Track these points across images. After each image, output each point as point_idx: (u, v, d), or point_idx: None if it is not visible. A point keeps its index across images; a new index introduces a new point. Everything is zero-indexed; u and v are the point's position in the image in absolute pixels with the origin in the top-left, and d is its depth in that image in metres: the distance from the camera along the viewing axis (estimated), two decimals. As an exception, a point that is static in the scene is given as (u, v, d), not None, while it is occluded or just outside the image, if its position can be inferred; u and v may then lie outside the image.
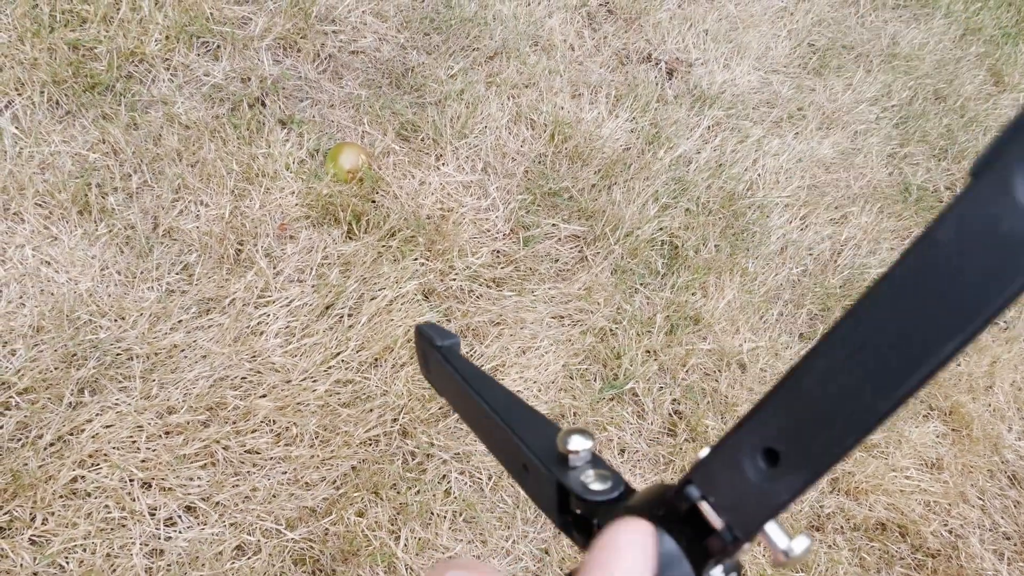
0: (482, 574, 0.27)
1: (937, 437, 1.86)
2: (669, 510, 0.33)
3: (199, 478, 1.33)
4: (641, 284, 1.83)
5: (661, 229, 1.92)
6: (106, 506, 1.27)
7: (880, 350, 0.26)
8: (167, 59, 1.76)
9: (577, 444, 0.38)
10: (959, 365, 2.00)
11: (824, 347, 0.27)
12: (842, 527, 1.66)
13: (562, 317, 1.72)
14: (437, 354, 0.50)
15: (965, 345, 0.24)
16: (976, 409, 1.92)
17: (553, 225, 1.83)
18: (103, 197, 1.54)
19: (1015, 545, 1.77)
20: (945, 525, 1.74)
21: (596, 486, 0.37)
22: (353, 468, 1.41)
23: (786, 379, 0.29)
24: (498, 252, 1.75)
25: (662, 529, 0.33)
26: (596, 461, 0.39)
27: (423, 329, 0.52)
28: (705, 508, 0.32)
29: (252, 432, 1.39)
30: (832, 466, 0.28)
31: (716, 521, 0.31)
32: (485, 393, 0.45)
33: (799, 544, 0.30)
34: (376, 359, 1.52)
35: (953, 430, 1.89)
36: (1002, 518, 1.80)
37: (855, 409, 0.26)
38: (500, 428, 0.43)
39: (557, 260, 1.79)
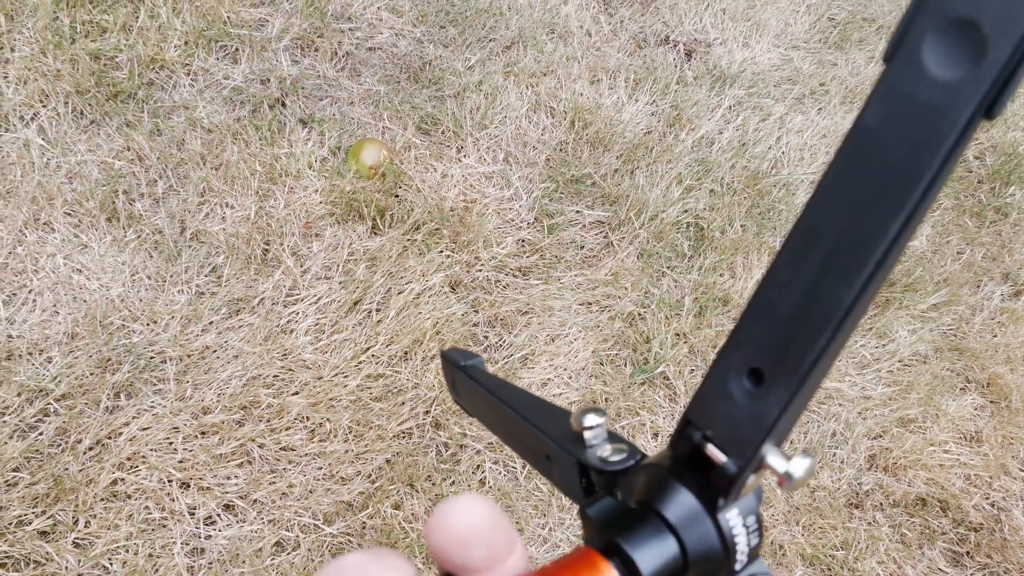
0: (378, 563, 0.27)
1: (975, 410, 1.83)
2: (676, 460, 0.33)
3: (236, 476, 1.34)
4: (668, 267, 1.82)
5: (686, 211, 1.90)
6: (146, 507, 1.28)
7: (832, 245, 0.26)
8: (187, 64, 1.77)
9: (591, 420, 0.38)
10: (995, 336, 1.97)
11: (782, 255, 0.27)
12: (881, 504, 1.65)
13: (590, 303, 1.72)
14: (462, 374, 0.51)
15: (912, 223, 0.24)
16: (1015, 380, 1.89)
17: (577, 212, 1.83)
18: (130, 203, 1.56)
19: (1060, 516, 1.75)
20: (987, 498, 1.72)
21: (614, 458, 0.37)
22: (387, 461, 1.41)
23: (755, 296, 0.29)
24: (523, 241, 1.75)
25: (673, 478, 0.33)
26: (612, 437, 0.39)
27: (447, 354, 0.54)
28: (709, 448, 0.32)
29: (286, 429, 1.40)
30: (812, 371, 0.27)
31: (718, 456, 0.31)
32: (508, 398, 0.46)
33: (798, 465, 0.30)
34: (406, 352, 1.53)
35: (992, 402, 1.86)
36: (1045, 489, 1.78)
37: (821, 307, 0.27)
38: (523, 426, 0.44)
39: (583, 247, 1.78)
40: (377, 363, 1.50)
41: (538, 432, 0.42)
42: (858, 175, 0.25)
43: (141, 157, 1.62)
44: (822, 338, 0.27)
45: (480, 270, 1.67)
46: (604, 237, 1.83)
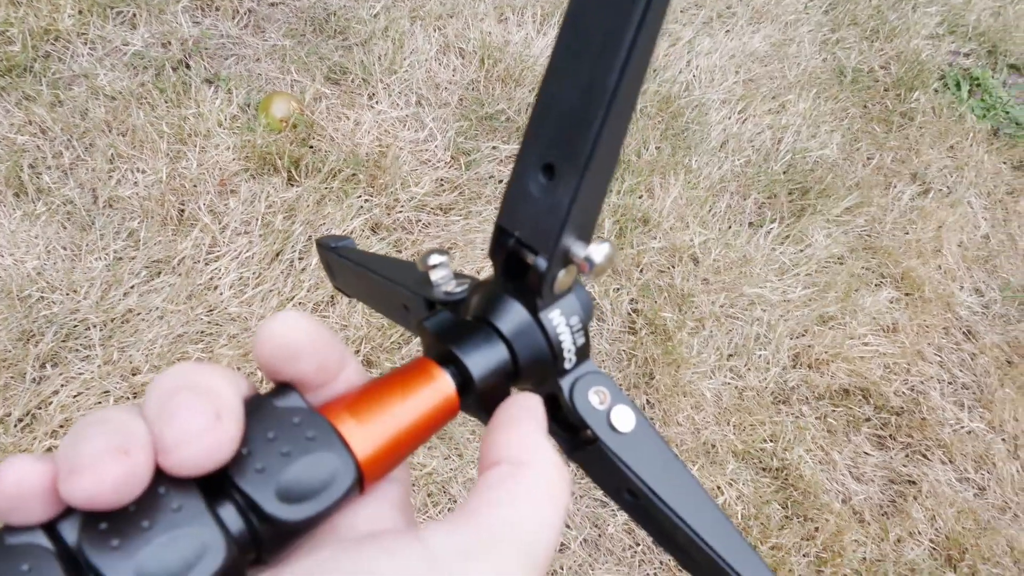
0: (202, 369, 0.27)
1: (891, 303, 1.91)
2: (503, 275, 0.35)
3: (172, 431, 1.35)
4: (586, 194, 1.85)
5: (600, 138, 1.93)
6: (84, 469, 1.29)
7: (595, 35, 0.27)
8: (83, 33, 1.75)
9: (434, 259, 0.40)
10: (907, 233, 2.05)
11: (558, 49, 0.29)
12: (807, 397, 1.72)
13: (512, 235, 1.74)
14: (334, 255, 0.52)
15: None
16: (927, 272, 1.97)
17: (493, 147, 1.85)
18: (37, 177, 1.54)
19: (973, 394, 1.84)
20: (906, 383, 1.80)
21: (456, 290, 0.39)
22: (323, 403, 1.44)
23: (539, 93, 0.30)
24: (441, 180, 1.76)
25: (499, 290, 0.35)
26: (458, 276, 0.41)
27: (321, 240, 0.55)
28: (521, 252, 0.33)
29: (218, 382, 1.41)
30: (594, 157, 0.29)
31: (529, 255, 0.33)
32: (373, 266, 0.48)
33: (597, 250, 0.32)
34: (332, 297, 1.54)
35: (906, 294, 1.94)
36: (960, 371, 1.87)
37: (592, 94, 0.28)
38: (385, 286, 0.45)
39: (501, 181, 1.81)
40: (304, 310, 1.51)
41: (396, 286, 0.44)
42: None
43: (44, 130, 1.60)
44: (596, 122, 0.28)
45: (400, 211, 1.68)
46: (521, 170, 1.85)
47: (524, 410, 0.32)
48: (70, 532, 0.23)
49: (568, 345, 0.35)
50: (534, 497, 0.28)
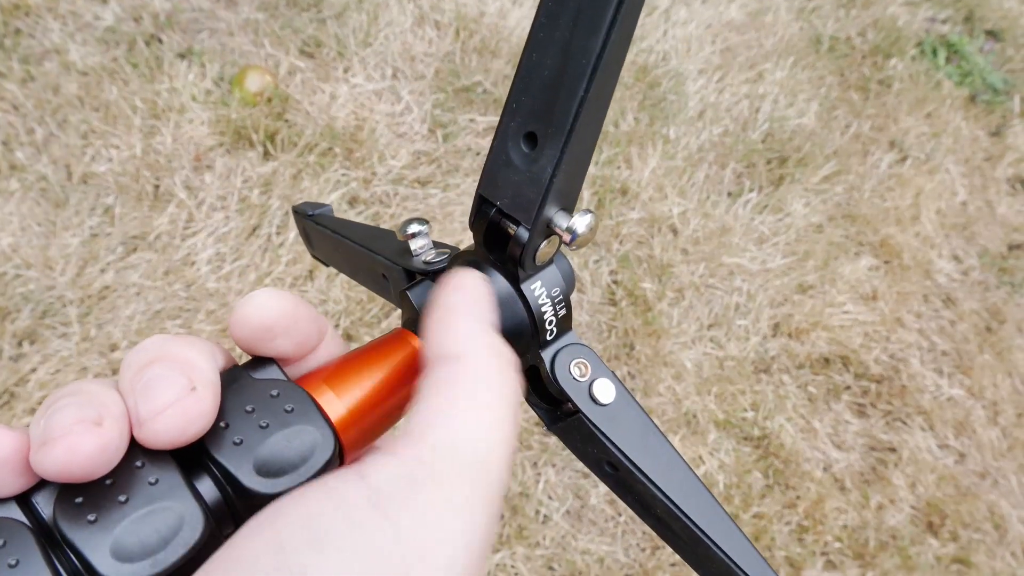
0: (177, 341, 0.27)
1: (870, 270, 1.92)
2: (484, 245, 0.35)
3: (151, 408, 1.35)
4: (565, 165, 1.84)
5: (579, 110, 1.92)
6: (63, 446, 1.28)
7: (577, 2, 0.27)
8: (52, 8, 1.72)
9: (413, 228, 0.39)
10: (885, 201, 2.06)
11: (538, 18, 0.28)
12: (787, 366, 1.73)
13: (491, 208, 1.74)
14: (311, 223, 0.52)
15: None
16: (905, 239, 1.99)
17: (471, 120, 1.84)
18: (10, 153, 1.52)
19: (953, 360, 1.86)
20: (885, 351, 1.81)
21: (436, 260, 0.39)
22: (303, 377, 1.43)
23: (521, 62, 0.30)
24: (418, 153, 1.75)
25: (480, 260, 0.35)
26: (437, 245, 0.41)
27: (297, 207, 0.54)
28: (503, 222, 0.33)
29: (197, 357, 1.40)
30: (577, 125, 0.28)
31: (510, 226, 0.33)
32: (351, 234, 0.47)
33: (580, 221, 0.32)
34: (310, 271, 1.54)
35: (885, 262, 1.95)
36: (938, 338, 1.88)
37: (576, 62, 0.28)
38: (363, 255, 0.45)
39: (479, 153, 1.80)
40: (282, 285, 1.51)
41: (374, 255, 0.44)
42: None
43: (16, 106, 1.58)
44: (579, 90, 0.28)
45: (378, 185, 1.67)
46: (500, 142, 1.84)
47: (456, 293, 0.31)
48: (45, 505, 0.23)
49: (550, 317, 0.36)
50: (476, 400, 0.27)
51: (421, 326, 0.31)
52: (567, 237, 0.32)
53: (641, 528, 1.50)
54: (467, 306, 0.30)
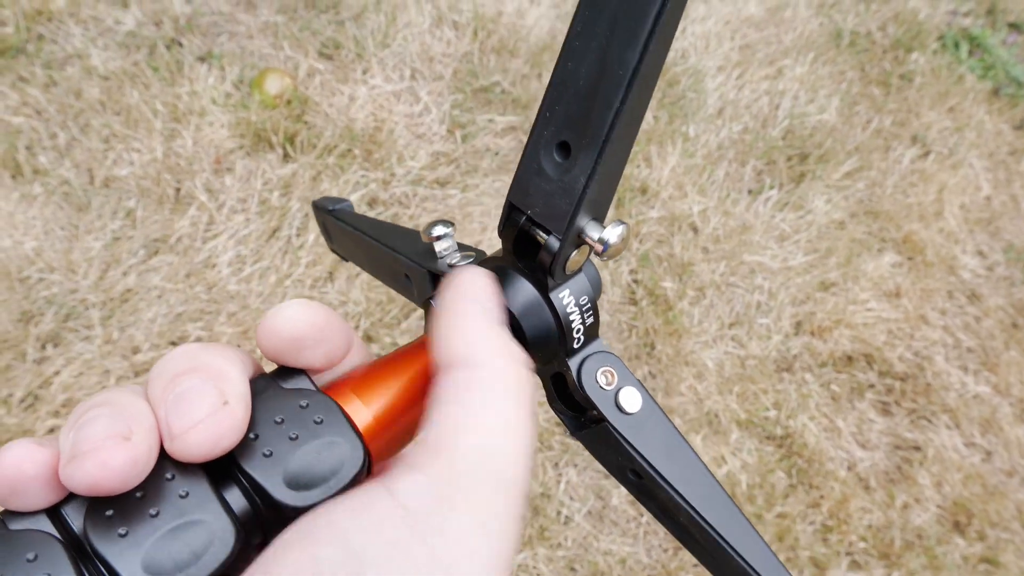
0: (208, 350, 0.26)
1: (893, 267, 1.90)
2: (512, 252, 0.34)
3: (174, 410, 1.36)
4: (584, 164, 1.84)
5: (597, 108, 1.92)
6: (87, 449, 1.29)
7: (614, 13, 0.27)
8: (75, 14, 1.73)
9: (439, 231, 0.39)
10: (908, 197, 2.03)
11: (574, 27, 0.28)
12: (810, 365, 1.71)
13: (510, 207, 1.73)
14: (331, 218, 0.51)
15: None
16: (929, 235, 1.96)
17: (489, 120, 1.84)
18: (34, 157, 1.54)
19: (978, 357, 1.83)
20: (909, 348, 1.80)
21: (461, 263, 0.39)
22: (324, 378, 1.44)
23: (555, 71, 0.29)
24: (437, 153, 1.75)
25: (508, 267, 0.34)
26: (462, 247, 0.41)
27: (318, 202, 0.54)
28: (533, 230, 0.33)
29: (219, 359, 1.41)
30: (612, 135, 0.28)
31: (540, 234, 0.32)
32: (372, 231, 0.47)
33: (612, 232, 0.32)
34: (330, 273, 1.54)
35: (908, 259, 1.93)
36: (963, 334, 1.86)
37: (612, 72, 0.27)
38: (386, 253, 0.44)
39: (497, 153, 1.80)
40: (302, 287, 1.51)
41: (397, 255, 0.43)
42: None
43: (39, 111, 1.59)
44: (615, 101, 0.27)
45: (397, 186, 1.68)
46: (518, 141, 1.84)
47: (465, 297, 0.31)
48: (75, 518, 0.23)
49: (577, 325, 0.35)
50: (493, 408, 0.27)
51: (428, 328, 0.31)
52: (599, 248, 0.32)
53: (663, 529, 1.49)
54: (474, 307, 0.30)
